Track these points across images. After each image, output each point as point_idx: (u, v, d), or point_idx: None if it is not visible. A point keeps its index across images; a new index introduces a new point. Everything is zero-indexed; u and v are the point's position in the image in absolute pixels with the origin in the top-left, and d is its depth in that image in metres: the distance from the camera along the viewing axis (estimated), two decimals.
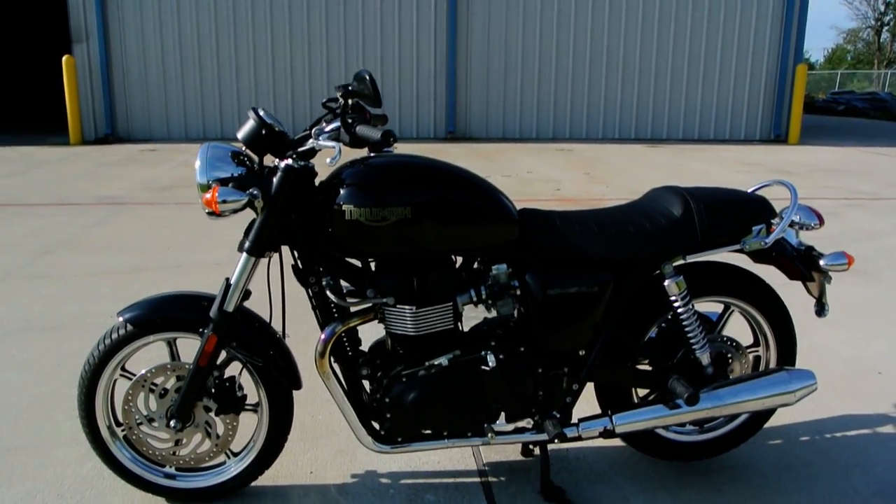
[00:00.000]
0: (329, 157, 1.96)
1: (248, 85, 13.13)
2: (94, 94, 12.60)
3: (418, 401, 2.12)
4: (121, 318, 2.20)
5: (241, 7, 12.93)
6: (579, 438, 2.28)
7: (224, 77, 13.06)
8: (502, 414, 2.19)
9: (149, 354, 2.45)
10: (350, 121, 2.01)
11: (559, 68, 13.80)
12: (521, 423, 2.22)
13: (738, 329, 2.68)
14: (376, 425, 2.22)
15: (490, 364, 2.11)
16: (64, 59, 11.97)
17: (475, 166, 9.98)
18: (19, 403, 3.03)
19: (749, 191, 2.42)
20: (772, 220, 2.30)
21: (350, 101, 2.11)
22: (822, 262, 2.28)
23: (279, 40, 13.13)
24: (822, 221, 2.35)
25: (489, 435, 2.15)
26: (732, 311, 2.44)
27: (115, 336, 2.21)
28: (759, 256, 2.36)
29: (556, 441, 2.17)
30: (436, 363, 2.14)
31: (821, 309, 2.42)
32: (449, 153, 11.50)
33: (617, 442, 2.60)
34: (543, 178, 9.03)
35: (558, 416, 2.23)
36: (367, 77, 1.94)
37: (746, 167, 10.30)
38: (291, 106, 13.26)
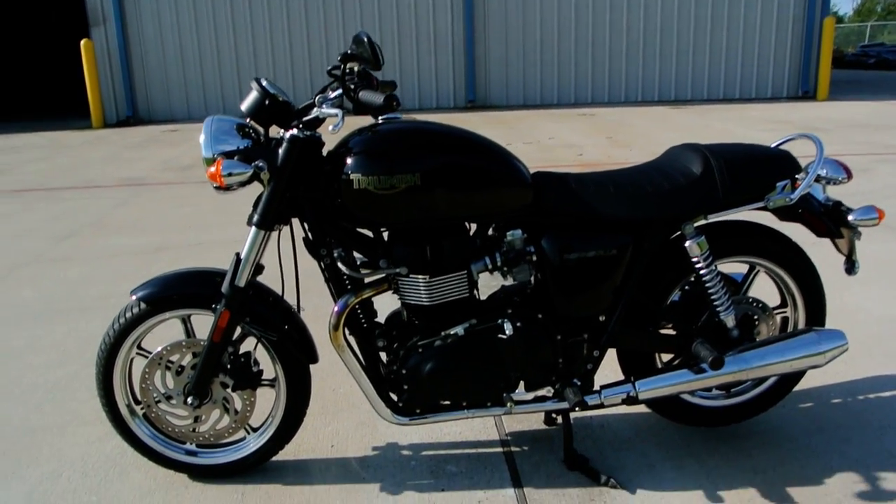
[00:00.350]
0: (332, 125, 1.91)
1: (266, 60, 13.07)
2: (114, 77, 12.64)
3: (435, 371, 2.08)
4: (134, 297, 2.18)
5: None
6: (602, 406, 2.23)
7: (241, 54, 13.01)
8: (521, 383, 2.15)
9: (168, 332, 2.44)
10: (353, 87, 1.95)
11: (579, 32, 13.54)
12: (540, 392, 2.18)
13: (764, 290, 2.60)
14: (394, 397, 2.19)
15: (507, 332, 2.06)
16: (82, 42, 12.00)
17: (496, 134, 9.87)
18: (45, 385, 3.05)
19: (773, 145, 2.32)
20: (797, 176, 2.21)
21: (351, 67, 2.05)
22: (850, 218, 2.18)
23: (295, 15, 13.02)
24: (850, 175, 2.24)
25: (508, 405, 2.11)
26: (758, 271, 2.36)
27: (129, 315, 2.20)
28: (784, 214, 2.27)
29: (576, 409, 2.12)
30: (452, 333, 2.09)
31: (851, 266, 2.33)
32: (469, 122, 11.38)
33: (642, 408, 2.54)
34: (566, 143, 8.89)
35: (579, 383, 2.18)
36: (366, 39, 1.87)
37: (772, 125, 10.05)
38: (310, 80, 13.19)
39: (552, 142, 9.07)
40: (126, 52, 12.64)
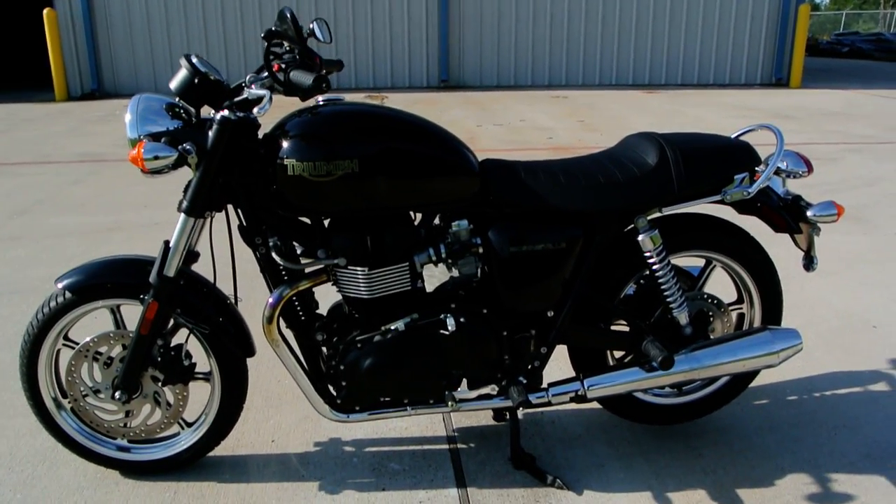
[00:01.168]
0: (257, 107, 1.79)
1: (236, 34, 12.77)
2: (79, 48, 12.26)
3: (374, 368, 1.99)
4: (59, 285, 2.06)
5: None
6: (549, 404, 2.15)
7: (210, 27, 12.70)
8: (465, 380, 2.06)
9: (98, 323, 2.31)
10: (284, 66, 1.83)
11: (554, 12, 13.39)
12: (485, 390, 2.09)
13: (721, 285, 2.54)
14: (333, 393, 2.10)
15: (450, 328, 1.97)
16: (45, 12, 11.60)
17: (467, 115, 9.74)
18: None
19: (733, 136, 2.24)
20: (756, 168, 2.13)
21: (274, 45, 1.93)
22: (809, 213, 2.12)
23: None
24: (810, 168, 2.17)
25: (449, 403, 2.02)
26: (714, 266, 2.29)
27: (53, 304, 2.07)
28: (743, 207, 2.20)
29: (521, 408, 2.04)
30: (392, 328, 1.99)
31: (809, 262, 2.26)
32: (441, 101, 11.23)
33: (594, 404, 2.48)
34: (537, 126, 8.80)
35: (525, 381, 2.10)
36: (289, 15, 1.75)
37: (744, 112, 10.03)
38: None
39: (523, 124, 8.97)
40: (91, 22, 12.25)
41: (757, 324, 2.32)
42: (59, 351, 2.16)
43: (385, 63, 13.29)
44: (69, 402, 2.18)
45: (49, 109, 10.84)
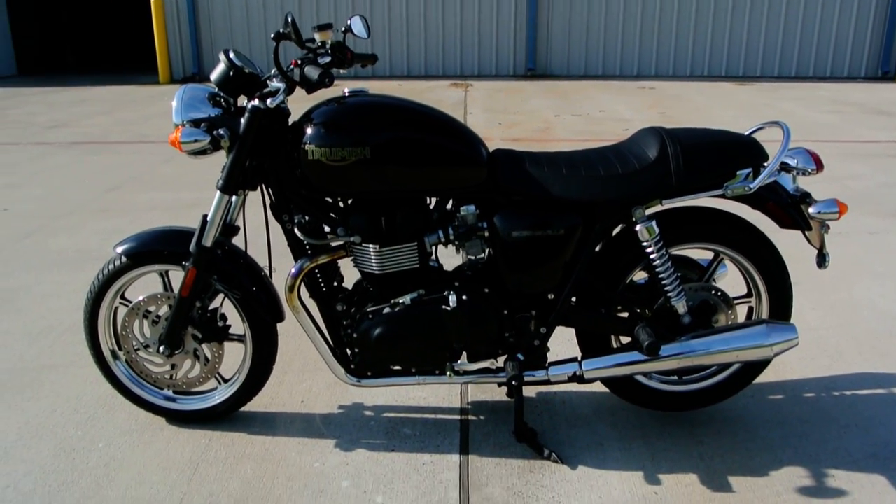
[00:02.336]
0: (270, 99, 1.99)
1: (329, 18, 13.21)
2: (182, 34, 13.01)
3: (382, 337, 2.18)
4: (117, 251, 2.34)
5: None
6: (549, 382, 2.28)
7: (305, 11, 13.18)
8: (465, 353, 2.22)
9: (154, 284, 2.59)
10: (300, 61, 2.02)
11: (645, 1, 13.15)
12: (485, 363, 2.24)
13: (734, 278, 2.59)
14: (349, 359, 2.30)
15: (451, 304, 2.13)
16: (152, 0, 12.37)
17: (548, 104, 9.78)
18: (59, 327, 3.29)
19: (746, 133, 2.29)
20: (763, 165, 2.18)
21: (323, 40, 2.12)
22: (811, 210, 2.15)
23: None
24: (820, 166, 2.20)
25: (448, 373, 2.19)
26: (722, 259, 2.35)
27: (111, 267, 2.36)
28: (752, 203, 2.25)
29: (514, 383, 2.18)
30: (400, 301, 2.18)
31: (822, 260, 2.29)
32: (524, 91, 11.29)
33: (605, 388, 2.58)
34: (615, 117, 8.75)
35: (522, 358, 2.24)
36: (289, 19, 1.94)
37: (838, 106, 9.62)
38: (372, 39, 13.27)
39: (601, 115, 8.94)
40: (194, 9, 12.96)
41: (765, 317, 2.37)
42: (116, 308, 2.45)
43: (473, 51, 13.43)
44: (124, 354, 2.47)
45: (152, 91, 11.58)
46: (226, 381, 2.52)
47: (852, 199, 5.23)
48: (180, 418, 2.53)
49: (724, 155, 2.14)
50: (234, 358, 2.64)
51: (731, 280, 2.49)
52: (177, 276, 2.37)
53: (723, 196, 2.16)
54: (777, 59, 13.29)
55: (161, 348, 2.38)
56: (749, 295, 2.42)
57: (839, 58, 13.24)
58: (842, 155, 6.66)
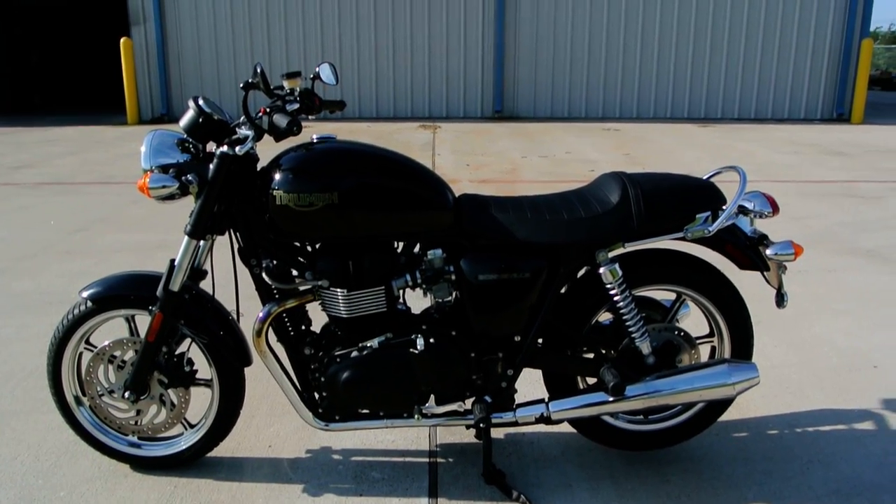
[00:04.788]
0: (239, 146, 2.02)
1: (299, 63, 13.34)
2: (151, 74, 13.04)
3: (349, 380, 2.18)
4: (82, 295, 2.32)
5: None
6: (516, 423, 2.30)
7: (275, 57, 13.30)
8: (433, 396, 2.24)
9: (120, 329, 2.57)
10: (269, 109, 2.06)
11: (609, 44, 13.52)
12: (452, 406, 2.26)
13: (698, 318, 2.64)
14: (317, 403, 2.30)
15: (419, 347, 2.15)
16: (122, 41, 12.40)
17: (514, 146, 9.94)
18: (21, 372, 3.23)
19: (704, 177, 2.37)
20: (722, 208, 2.25)
21: (291, 87, 2.17)
22: (768, 252, 2.22)
23: (328, 20, 13.27)
24: (776, 209, 2.28)
25: (416, 417, 2.20)
26: (684, 300, 2.41)
27: (76, 312, 2.34)
28: (711, 245, 2.32)
29: (482, 425, 2.19)
30: (367, 345, 2.19)
31: (780, 300, 2.36)
32: (491, 132, 11.47)
33: (572, 429, 2.60)
34: (581, 158, 8.92)
35: (489, 400, 2.26)
36: (258, 70, 1.99)
37: (796, 147, 9.92)
38: (342, 84, 13.41)
39: (568, 156, 9.10)
40: (164, 51, 13.03)
41: (727, 356, 2.42)
42: (80, 353, 2.43)
43: (441, 93, 13.64)
44: (87, 400, 2.44)
45: (120, 132, 11.54)
46: (192, 426, 2.49)
47: (811, 237, 5.37)
48: (145, 465, 2.49)
49: (684, 199, 2.20)
50: (201, 403, 2.61)
51: (693, 320, 2.55)
52: (143, 321, 2.36)
53: (683, 239, 2.23)
54: (737, 101, 13.70)
55: (126, 394, 2.35)
56: (711, 334, 2.47)
57: (796, 101, 13.69)
58: (800, 194, 6.86)
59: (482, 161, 8.71)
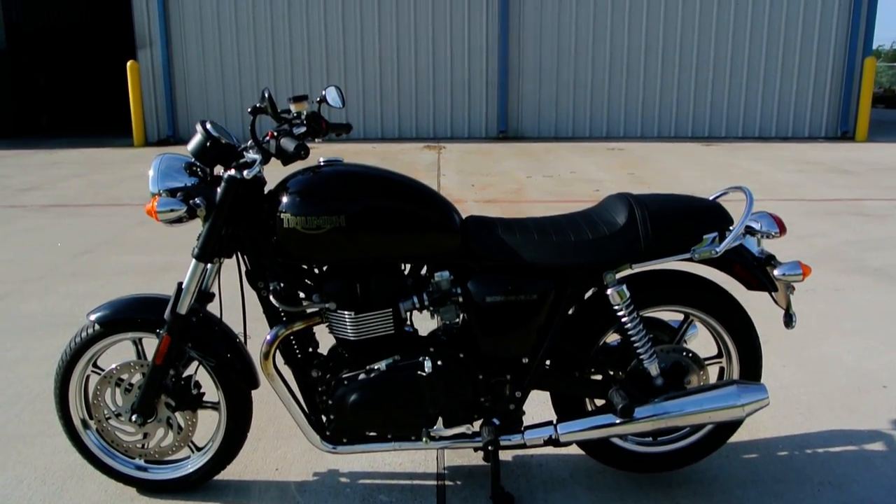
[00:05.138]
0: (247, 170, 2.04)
1: (304, 85, 13.44)
2: (157, 97, 13.14)
3: (357, 403, 2.18)
4: (90, 318, 2.33)
5: (296, 12, 13.25)
6: (525, 446, 2.29)
7: (280, 78, 13.40)
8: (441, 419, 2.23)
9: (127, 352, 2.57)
10: (276, 133, 2.08)
11: (613, 64, 13.59)
12: (460, 429, 2.25)
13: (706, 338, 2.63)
14: (324, 425, 2.29)
15: (427, 370, 2.14)
16: (129, 64, 12.52)
17: (520, 166, 9.97)
18: (28, 395, 3.23)
19: (711, 198, 2.37)
20: (729, 228, 2.25)
21: (299, 111, 2.18)
22: (776, 273, 2.22)
23: (333, 44, 13.39)
24: (783, 229, 2.28)
25: (424, 439, 2.19)
26: (692, 320, 2.40)
27: (84, 335, 2.34)
28: (719, 266, 2.31)
29: (490, 447, 2.18)
30: (375, 367, 2.19)
31: (789, 320, 2.35)
32: (496, 152, 11.51)
33: (581, 451, 2.59)
34: (586, 178, 8.94)
35: (498, 422, 2.24)
36: (266, 94, 2.00)
37: (801, 165, 9.93)
38: (346, 106, 13.50)
39: (572, 176, 9.12)
40: (170, 74, 13.13)
41: (736, 377, 2.41)
42: (88, 377, 2.43)
43: (445, 114, 13.70)
44: (94, 423, 2.44)
45: (127, 154, 11.61)
46: (199, 449, 2.48)
47: (817, 256, 5.36)
48: (152, 488, 2.48)
49: (691, 220, 2.21)
50: (208, 426, 2.60)
51: (701, 341, 2.54)
52: (150, 344, 2.36)
53: (690, 259, 2.23)
54: (741, 120, 13.73)
55: (133, 417, 2.35)
56: (720, 355, 2.46)
57: (800, 119, 13.72)
58: (806, 213, 6.85)
59: (487, 181, 8.73)
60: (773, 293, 2.34)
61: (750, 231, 2.29)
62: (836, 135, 13.65)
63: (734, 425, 2.44)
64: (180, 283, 2.24)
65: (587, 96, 13.72)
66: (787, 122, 13.72)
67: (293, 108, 2.19)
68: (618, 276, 2.22)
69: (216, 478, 2.51)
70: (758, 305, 3.13)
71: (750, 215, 2.24)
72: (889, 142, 13.22)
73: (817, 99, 13.62)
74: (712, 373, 2.46)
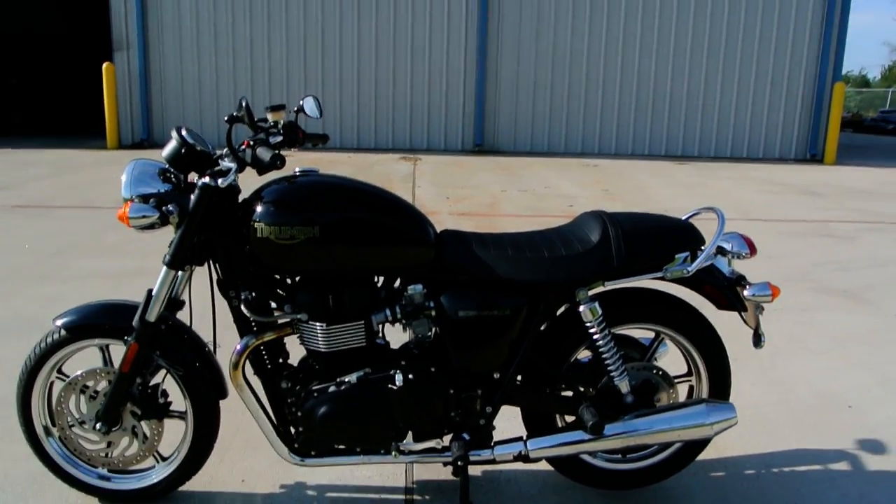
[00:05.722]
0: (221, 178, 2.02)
1: (281, 93, 13.39)
2: (133, 100, 13.01)
3: (326, 415, 2.16)
4: (56, 323, 2.28)
5: (275, 19, 13.22)
6: (494, 461, 2.28)
7: (258, 85, 13.35)
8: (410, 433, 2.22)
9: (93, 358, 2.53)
10: (252, 143, 2.06)
11: (590, 83, 13.74)
12: (430, 443, 2.24)
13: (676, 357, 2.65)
14: (293, 437, 2.27)
15: (397, 383, 2.14)
16: (104, 66, 12.39)
17: (495, 179, 10.01)
18: None
19: (684, 218, 2.40)
20: (701, 248, 2.28)
21: (276, 120, 2.17)
22: (746, 293, 2.24)
23: (311, 52, 13.37)
24: (753, 250, 2.31)
25: (394, 453, 2.18)
26: (662, 338, 2.42)
27: (49, 340, 2.30)
28: (690, 285, 2.34)
29: (459, 462, 2.18)
30: (345, 380, 2.17)
31: (757, 340, 2.38)
32: (471, 166, 11.55)
33: (550, 467, 2.59)
34: (560, 193, 9.00)
35: (468, 437, 2.24)
36: (244, 103, 1.99)
37: (770, 186, 10.10)
38: (328, 114, 13.47)
39: (547, 191, 9.18)
40: (146, 77, 13.02)
41: (705, 396, 2.43)
42: (52, 383, 2.38)
43: (422, 126, 13.74)
44: (57, 431, 2.39)
45: (99, 156, 11.46)
46: (164, 459, 2.44)
47: (786, 276, 5.44)
48: (115, 498, 2.43)
49: (663, 239, 2.23)
50: (174, 435, 2.56)
51: (671, 359, 2.56)
52: (118, 351, 2.32)
53: (662, 278, 2.25)
54: (713, 140, 13.95)
55: (98, 425, 2.31)
56: (689, 374, 2.48)
57: (770, 141, 13.97)
58: (775, 233, 6.96)
59: (462, 194, 8.75)
60: (742, 313, 2.37)
61: (721, 251, 2.31)
62: (806, 157, 13.92)
63: (702, 443, 2.46)
64: (150, 290, 2.20)
65: (563, 112, 13.84)
66: (759, 143, 13.97)
67: (270, 117, 2.17)
68: (590, 293, 2.23)
69: (181, 488, 2.46)
70: (727, 325, 3.17)
71: (721, 236, 2.27)
72: (856, 165, 13.51)
73: (788, 121, 13.89)
74: (682, 391, 2.48)
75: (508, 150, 13.91)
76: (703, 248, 2.27)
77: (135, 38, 12.83)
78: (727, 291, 2.31)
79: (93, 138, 13.75)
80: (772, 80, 13.73)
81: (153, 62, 13.08)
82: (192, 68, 13.20)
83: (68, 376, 2.35)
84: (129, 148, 12.76)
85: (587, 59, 13.65)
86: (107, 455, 2.39)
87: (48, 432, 2.39)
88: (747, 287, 2.26)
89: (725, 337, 2.46)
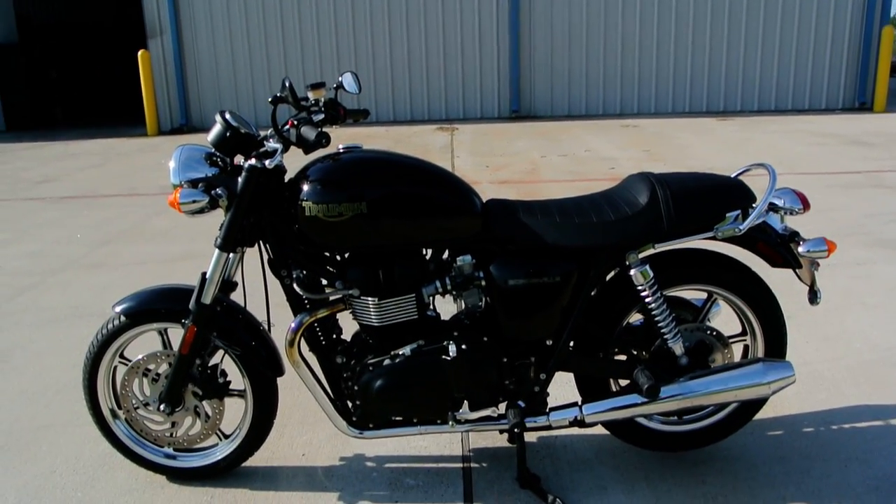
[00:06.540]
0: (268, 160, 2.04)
1: (315, 68, 13.40)
2: (169, 86, 13.15)
3: (382, 389, 2.19)
4: (116, 310, 2.35)
5: None
6: (550, 427, 2.30)
7: (291, 64, 13.37)
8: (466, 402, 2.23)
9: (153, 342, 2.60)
10: (297, 122, 2.07)
11: (625, 39, 13.44)
12: (486, 412, 2.25)
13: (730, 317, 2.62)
14: (350, 411, 2.31)
15: (451, 354, 2.15)
16: (140, 53, 12.54)
17: (534, 145, 9.91)
18: (56, 385, 3.27)
19: (733, 175, 2.35)
20: (752, 206, 2.23)
21: (316, 98, 2.18)
22: (800, 249, 2.20)
23: (342, 24, 13.32)
24: (807, 205, 2.26)
25: (451, 423, 2.20)
26: (715, 299, 2.38)
27: (110, 326, 2.37)
28: (742, 243, 2.29)
29: (516, 429, 2.19)
30: (399, 353, 2.20)
31: (813, 297, 2.33)
32: (509, 132, 11.45)
33: (606, 431, 2.59)
34: (601, 156, 8.88)
35: (523, 404, 2.25)
36: (287, 84, 2.00)
37: (819, 138, 9.81)
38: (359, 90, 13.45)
39: (587, 154, 9.06)
40: (181, 62, 13.13)
41: (760, 355, 2.40)
42: (115, 368, 2.45)
43: (457, 95, 13.62)
44: (123, 413, 2.47)
45: (141, 144, 11.66)
46: (227, 436, 2.51)
47: (838, 230, 5.31)
48: (181, 476, 2.51)
49: (713, 198, 2.19)
50: (235, 413, 2.63)
51: (725, 319, 2.53)
52: (176, 334, 2.38)
53: (713, 238, 2.21)
54: (756, 93, 13.55)
55: (161, 406, 2.38)
56: (744, 333, 2.45)
57: (816, 91, 13.52)
58: (825, 187, 6.78)
59: (502, 162, 8.70)
60: (797, 270, 2.32)
61: (773, 208, 2.26)
62: (854, 106, 13.45)
63: (759, 403, 2.43)
64: (204, 273, 2.25)
65: (599, 73, 13.58)
66: (804, 93, 13.53)
67: (311, 95, 2.18)
68: (640, 256, 2.21)
69: (244, 464, 2.53)
70: (780, 282, 3.11)
71: (773, 192, 2.22)
72: None
73: (834, 70, 13.41)
74: (737, 351, 2.45)
75: (546, 115, 13.73)
76: (754, 205, 2.23)
77: (168, 23, 12.94)
78: (781, 248, 2.26)
79: (133, 126, 13.97)
80: (816, 27, 13.24)
81: (187, 47, 13.18)
82: (226, 51, 13.27)
83: (130, 360, 2.42)
84: (169, 134, 12.94)
85: (622, 17, 13.33)
86: (171, 435, 2.47)
87: (115, 415, 2.48)
88: (801, 243, 2.21)
89: (779, 294, 2.42)
